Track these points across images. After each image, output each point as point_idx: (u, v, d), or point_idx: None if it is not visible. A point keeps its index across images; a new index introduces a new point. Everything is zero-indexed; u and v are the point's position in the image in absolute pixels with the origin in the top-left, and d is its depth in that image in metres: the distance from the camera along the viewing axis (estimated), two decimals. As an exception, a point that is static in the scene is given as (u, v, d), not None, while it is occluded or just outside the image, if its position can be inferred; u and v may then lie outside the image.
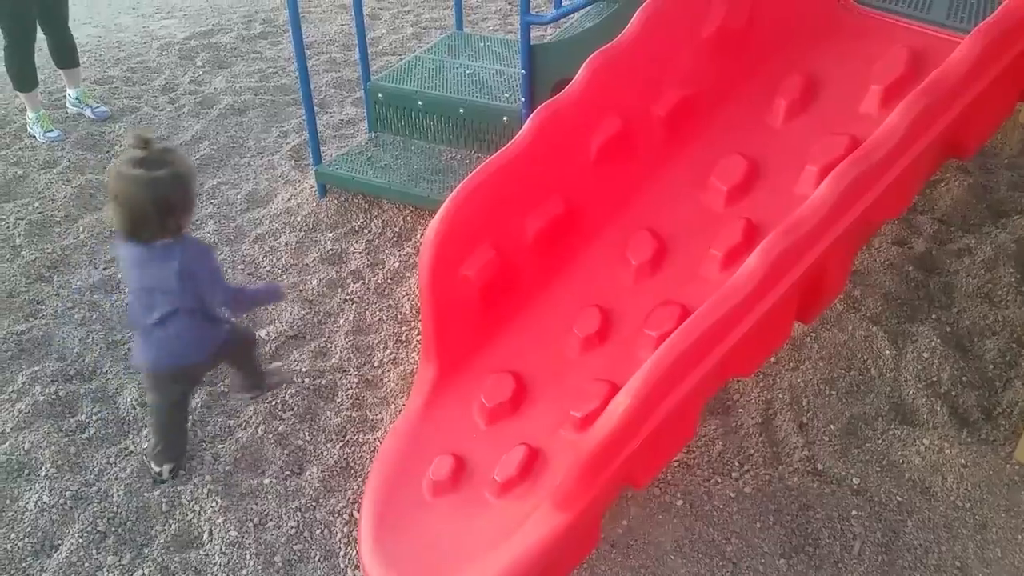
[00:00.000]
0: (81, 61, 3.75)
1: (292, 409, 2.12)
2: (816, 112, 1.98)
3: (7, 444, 2.02)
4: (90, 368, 2.29)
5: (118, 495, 1.88)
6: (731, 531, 1.74)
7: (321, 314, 2.49)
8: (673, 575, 1.66)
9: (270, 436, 2.04)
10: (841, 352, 2.21)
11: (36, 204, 3.03)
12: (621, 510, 1.78)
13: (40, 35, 3.41)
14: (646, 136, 2.04)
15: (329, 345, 2.36)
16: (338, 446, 2.01)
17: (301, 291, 2.57)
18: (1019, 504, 1.79)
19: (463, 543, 1.55)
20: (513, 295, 1.92)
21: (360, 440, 2.03)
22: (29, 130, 3.53)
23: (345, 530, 1.79)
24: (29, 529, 1.81)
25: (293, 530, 1.79)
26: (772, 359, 2.18)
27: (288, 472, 1.94)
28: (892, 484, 1.85)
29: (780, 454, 1.93)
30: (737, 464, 1.91)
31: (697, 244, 1.84)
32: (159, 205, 1.62)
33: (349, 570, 1.71)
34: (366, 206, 2.96)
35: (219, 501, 1.85)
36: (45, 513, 1.84)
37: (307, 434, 2.05)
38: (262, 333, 2.40)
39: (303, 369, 2.27)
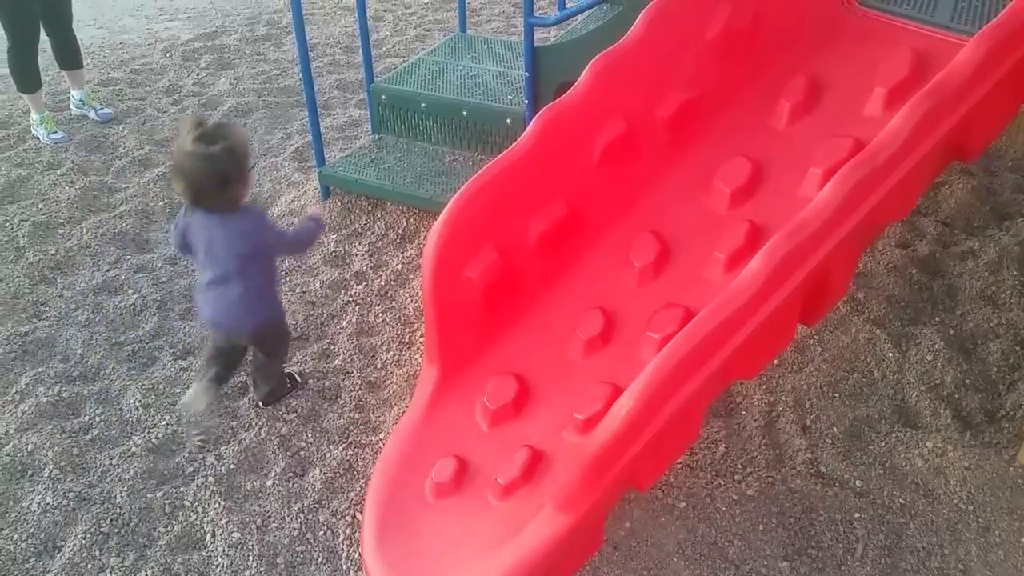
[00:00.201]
0: (85, 63, 3.76)
1: (295, 411, 2.12)
2: (820, 114, 1.98)
3: (10, 445, 2.02)
4: (93, 369, 2.30)
5: (121, 496, 1.88)
6: (734, 533, 1.74)
7: (324, 316, 2.49)
8: (676, 578, 1.66)
9: (273, 438, 2.04)
10: (844, 355, 2.21)
11: (40, 206, 3.03)
12: (624, 512, 1.78)
13: (44, 37, 3.43)
14: (650, 138, 2.04)
15: (332, 347, 2.36)
16: (341, 448, 2.01)
17: (304, 293, 2.58)
18: (1022, 507, 1.79)
19: (465, 545, 1.55)
20: (516, 297, 1.92)
21: (363, 442, 2.03)
22: (33, 132, 3.54)
23: (348, 532, 1.79)
24: (32, 530, 1.81)
25: (296, 532, 1.79)
26: (775, 361, 2.18)
27: (291, 474, 1.94)
28: (895, 487, 1.85)
29: (783, 456, 1.93)
30: (740, 466, 1.91)
31: (700, 246, 1.84)
32: (216, 177, 1.79)
33: (351, 572, 1.71)
34: (369, 208, 2.96)
35: (222, 503, 1.86)
36: (48, 514, 1.84)
37: (310, 436, 2.05)
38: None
39: (306, 371, 2.27)
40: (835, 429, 1.99)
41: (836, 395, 2.09)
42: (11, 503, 1.88)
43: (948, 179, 2.89)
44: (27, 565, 1.75)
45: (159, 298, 2.57)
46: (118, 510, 1.85)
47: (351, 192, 3.00)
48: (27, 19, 3.29)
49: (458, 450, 1.72)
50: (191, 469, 1.97)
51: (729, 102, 2.09)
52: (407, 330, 2.41)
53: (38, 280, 2.66)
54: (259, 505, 1.86)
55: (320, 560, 1.74)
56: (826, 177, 1.62)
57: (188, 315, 2.52)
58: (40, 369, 2.28)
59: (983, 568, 1.68)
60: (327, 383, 2.22)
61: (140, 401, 2.17)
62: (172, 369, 2.29)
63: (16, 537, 1.80)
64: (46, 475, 1.94)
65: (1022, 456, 1.88)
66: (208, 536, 1.80)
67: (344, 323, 2.45)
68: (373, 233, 2.85)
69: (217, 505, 1.85)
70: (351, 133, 3.55)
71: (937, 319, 2.32)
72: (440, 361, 1.86)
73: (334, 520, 1.82)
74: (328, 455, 1.99)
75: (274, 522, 1.82)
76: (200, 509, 1.86)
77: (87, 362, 2.32)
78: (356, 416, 2.11)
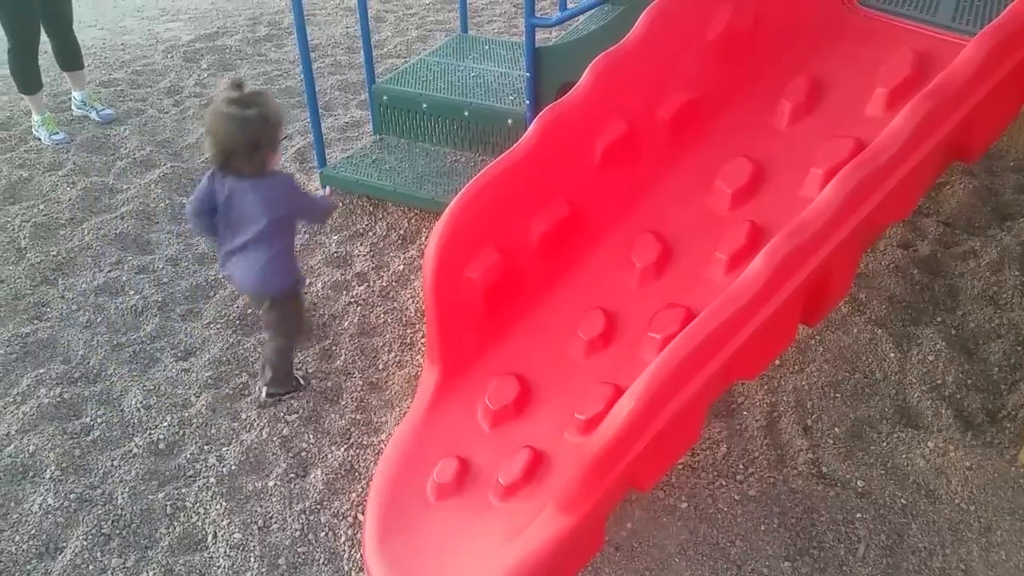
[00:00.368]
0: (86, 64, 3.76)
1: (296, 412, 2.12)
2: (821, 115, 1.98)
3: (12, 447, 2.02)
4: (95, 370, 2.30)
5: (123, 497, 1.89)
6: (735, 534, 1.74)
7: (326, 316, 2.49)
8: (678, 578, 1.66)
9: (274, 439, 2.04)
10: (846, 355, 2.21)
11: (41, 206, 3.04)
12: (625, 513, 1.78)
13: (45, 38, 3.43)
14: (651, 139, 2.04)
15: (334, 348, 2.36)
16: (342, 449, 2.01)
17: (306, 294, 2.58)
18: (1024, 507, 1.79)
19: (467, 546, 1.55)
20: (517, 298, 1.92)
21: (364, 443, 2.03)
22: (34, 133, 3.54)
23: (349, 533, 1.79)
24: (33, 532, 1.81)
25: (297, 533, 1.79)
26: (777, 362, 2.18)
27: (292, 475, 1.94)
28: (896, 487, 1.84)
29: (784, 457, 1.93)
30: (742, 467, 1.90)
31: (702, 247, 1.84)
32: (247, 141, 1.83)
33: (353, 573, 1.71)
34: (371, 209, 2.96)
35: (223, 504, 1.86)
36: (49, 516, 1.84)
37: (311, 437, 2.05)
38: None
39: (308, 371, 2.27)
40: (836, 429, 1.99)
41: (837, 395, 2.09)
42: (12, 504, 1.88)
43: (950, 179, 2.89)
44: (28, 567, 1.75)
45: (160, 299, 2.58)
46: (119, 511, 1.85)
47: (352, 193, 3.00)
48: (27, 20, 3.29)
49: (460, 451, 1.72)
50: (192, 470, 1.97)
51: (730, 102, 2.09)
52: (409, 331, 2.41)
53: (39, 281, 2.66)
54: (261, 506, 1.86)
55: (322, 561, 1.74)
56: (827, 177, 1.62)
57: (189, 316, 2.52)
58: (41, 370, 2.29)
59: (985, 568, 1.68)
60: (329, 384, 2.22)
61: (141, 402, 2.17)
62: (173, 370, 2.29)
63: (17, 539, 1.80)
64: (47, 476, 1.94)
65: (1023, 456, 1.88)
66: (210, 537, 1.80)
67: (346, 324, 2.45)
68: (374, 234, 2.85)
69: (219, 506, 1.85)
70: (352, 134, 3.55)
71: (939, 319, 2.32)
72: (441, 362, 1.86)
73: (336, 521, 1.82)
74: (330, 456, 1.99)
75: (276, 523, 1.82)
76: (201, 510, 1.86)
77: (88, 363, 2.32)
78: (358, 417, 2.11)
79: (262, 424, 2.09)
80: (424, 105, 3.00)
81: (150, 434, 2.07)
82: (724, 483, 1.86)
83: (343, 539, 1.78)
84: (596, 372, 1.74)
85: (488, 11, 4.94)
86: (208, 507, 1.86)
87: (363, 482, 1.90)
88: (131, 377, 2.27)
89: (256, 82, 4.10)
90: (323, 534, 1.79)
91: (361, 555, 1.71)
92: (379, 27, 4.69)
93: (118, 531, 1.81)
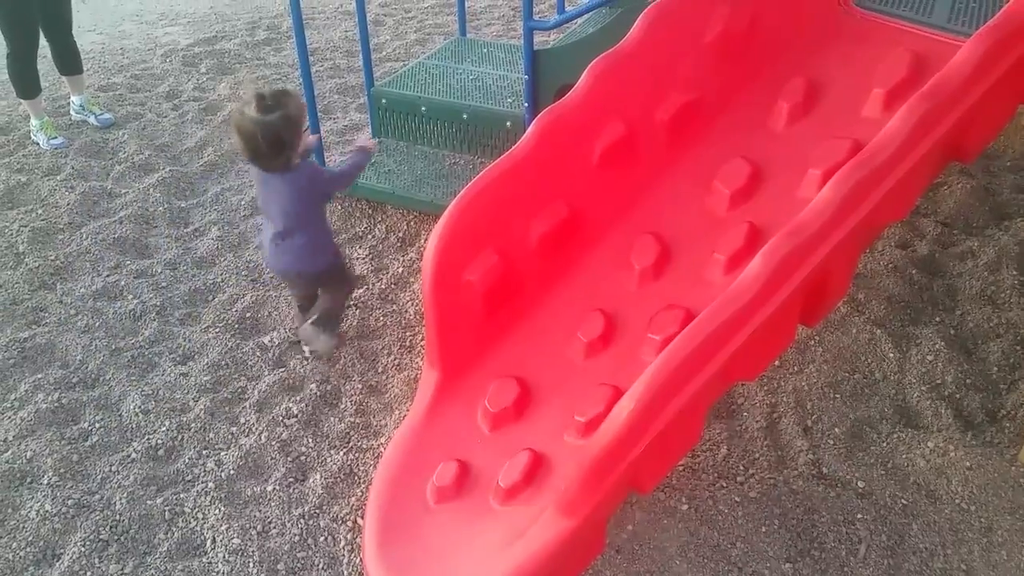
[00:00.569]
0: (85, 68, 3.76)
1: (295, 416, 2.12)
2: (819, 116, 1.99)
3: (9, 452, 2.02)
4: (93, 375, 2.30)
5: (121, 503, 1.88)
6: (736, 535, 1.74)
7: (324, 320, 2.49)
8: (678, 580, 1.65)
9: (273, 443, 2.04)
10: (845, 355, 2.21)
11: (39, 211, 3.03)
12: (626, 515, 1.77)
13: (43, 42, 3.43)
14: (649, 140, 2.04)
15: (333, 351, 2.36)
16: (342, 452, 2.00)
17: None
18: (1025, 507, 1.79)
19: (467, 550, 1.54)
20: (517, 300, 1.92)
21: (364, 446, 2.02)
22: (32, 137, 3.54)
23: (349, 537, 1.79)
24: (31, 538, 1.80)
25: (296, 537, 1.79)
26: (776, 363, 2.18)
27: (291, 479, 1.94)
28: (897, 487, 1.84)
29: (785, 458, 1.93)
30: (742, 468, 1.90)
31: (701, 248, 1.84)
32: (273, 142, 1.96)
33: (353, 576, 1.71)
34: (370, 211, 2.96)
35: (222, 509, 1.85)
36: (47, 522, 1.84)
37: (310, 440, 2.05)
38: (265, 340, 2.41)
39: (306, 372, 2.27)
40: (836, 430, 1.99)
41: (837, 396, 2.09)
42: (10, 511, 1.87)
43: (947, 179, 2.90)
44: (26, 573, 1.74)
45: (159, 303, 2.57)
46: (118, 517, 1.85)
47: (352, 195, 2.99)
48: (26, 24, 3.29)
49: (459, 454, 1.71)
50: (191, 475, 1.96)
51: (728, 104, 2.09)
52: (408, 334, 2.40)
53: (37, 286, 2.66)
54: (259, 511, 1.85)
55: (321, 566, 1.73)
56: (825, 178, 1.62)
57: (188, 320, 2.52)
58: (39, 375, 2.28)
59: (986, 568, 1.68)
60: (328, 387, 2.22)
61: (140, 407, 2.17)
62: (172, 375, 2.29)
63: (15, 545, 1.79)
64: (45, 482, 1.94)
65: (1023, 455, 1.88)
66: (208, 542, 1.79)
67: (345, 327, 2.44)
68: (374, 236, 2.85)
69: (217, 511, 1.85)
70: (351, 137, 3.55)
71: (937, 319, 2.32)
72: (441, 364, 1.86)
73: (335, 526, 1.81)
74: (329, 460, 1.98)
75: (275, 528, 1.81)
76: (200, 515, 1.85)
77: (87, 368, 2.32)
78: (357, 420, 2.11)
79: (261, 428, 2.08)
80: (423, 108, 3.01)
81: (148, 439, 2.07)
82: (725, 484, 1.85)
83: (342, 543, 1.77)
84: (596, 374, 1.74)
85: (486, 14, 4.95)
86: (207, 512, 1.85)
87: (362, 486, 1.90)
88: (129, 382, 2.27)
89: (254, 86, 4.10)
90: (322, 539, 1.79)
91: (361, 559, 1.71)
92: (378, 31, 4.70)
93: (116, 537, 1.81)
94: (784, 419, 2.03)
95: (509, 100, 2.93)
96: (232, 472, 1.95)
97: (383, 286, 2.60)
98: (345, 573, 1.71)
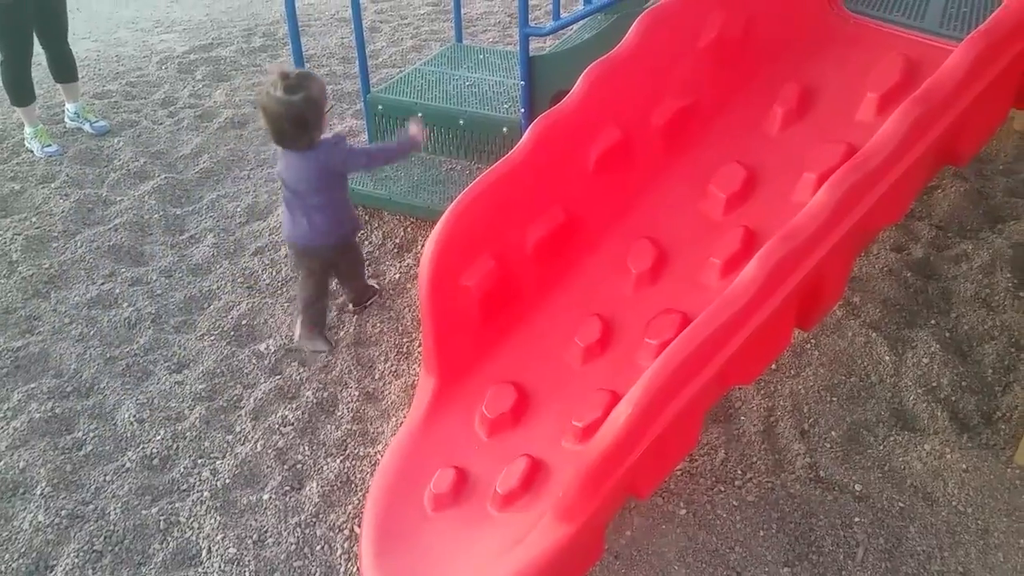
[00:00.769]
0: (80, 75, 3.76)
1: (291, 424, 2.11)
2: (813, 120, 2.00)
3: (2, 463, 2.00)
4: (87, 384, 2.28)
5: (115, 513, 1.86)
6: (734, 540, 1.74)
7: (320, 326, 2.48)
8: (677, 586, 1.65)
9: (269, 451, 2.03)
10: (841, 358, 2.21)
11: (33, 219, 3.02)
12: (624, 521, 1.77)
13: (38, 49, 3.43)
14: (645, 145, 2.05)
15: (330, 358, 2.35)
16: (338, 460, 1.99)
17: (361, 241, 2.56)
18: (1020, 508, 1.79)
19: (465, 557, 1.54)
20: (514, 305, 1.92)
21: (361, 454, 2.01)
22: (27, 145, 3.53)
23: (346, 546, 1.78)
24: (24, 549, 1.79)
25: (293, 546, 1.78)
26: (773, 366, 2.18)
27: (288, 487, 1.93)
28: (894, 490, 1.84)
29: (782, 461, 1.93)
30: (740, 472, 1.90)
31: (697, 252, 1.84)
32: (297, 122, 2.06)
33: (350, 585, 1.70)
34: (366, 217, 2.96)
35: (217, 518, 1.84)
36: (40, 533, 1.82)
37: (307, 448, 2.04)
38: (261, 347, 2.40)
39: (303, 379, 2.26)
40: (833, 433, 1.99)
41: (834, 399, 2.09)
42: (2, 522, 1.86)
43: (941, 183, 2.91)
44: (21, 583, 1.73)
45: (154, 311, 2.56)
46: (112, 527, 1.83)
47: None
48: (20, 32, 3.29)
49: (457, 460, 1.71)
50: (186, 484, 1.95)
51: (723, 109, 2.10)
52: (405, 340, 2.40)
53: (31, 294, 2.64)
54: (255, 520, 1.84)
55: (318, 575, 1.72)
56: (820, 182, 1.62)
57: (183, 328, 2.51)
58: (33, 385, 2.27)
59: (983, 571, 1.68)
60: (325, 394, 2.21)
61: (134, 416, 2.15)
62: (167, 383, 2.28)
63: (7, 557, 1.77)
64: (38, 493, 1.92)
65: (1019, 457, 1.88)
66: (204, 552, 1.78)
67: (342, 333, 2.44)
68: (370, 243, 2.85)
69: (213, 521, 1.84)
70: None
71: (932, 322, 2.33)
72: (438, 371, 1.85)
73: (332, 534, 1.80)
74: (325, 468, 1.97)
75: (271, 537, 1.80)
76: (195, 525, 1.84)
77: (81, 377, 2.30)
78: (354, 428, 2.10)
79: (256, 436, 2.07)
80: (419, 114, 3.00)
81: (143, 448, 2.05)
82: (723, 489, 1.85)
83: (339, 552, 1.76)
84: (593, 379, 1.73)
85: (483, 21, 4.96)
86: (202, 522, 1.84)
87: (359, 494, 1.89)
88: (124, 390, 2.25)
89: (251, 93, 4.11)
90: (319, 548, 1.78)
91: (358, 568, 1.70)
92: (374, 37, 4.71)
93: (110, 547, 1.79)
94: (781, 423, 2.03)
95: (505, 106, 2.94)
96: (228, 481, 1.94)
97: (380, 293, 2.60)
98: (342, 581, 1.70)
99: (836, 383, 2.14)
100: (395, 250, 2.80)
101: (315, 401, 2.18)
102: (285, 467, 1.98)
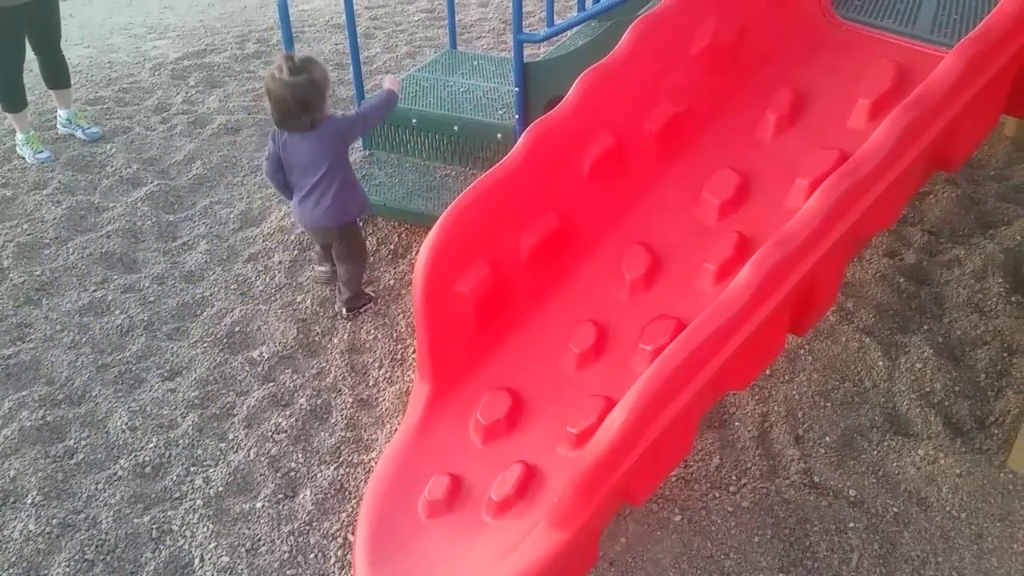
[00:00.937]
0: (72, 82, 3.75)
1: (285, 431, 2.10)
2: (805, 126, 2.01)
3: (-6, 470, 1.99)
4: (79, 392, 2.27)
5: (107, 522, 1.85)
6: (730, 546, 1.73)
7: (315, 333, 2.47)
8: (673, 593, 1.64)
9: (262, 459, 2.01)
10: (835, 364, 2.21)
11: (25, 226, 3.01)
12: (619, 527, 1.76)
13: (30, 55, 3.41)
14: (639, 152, 2.06)
15: (323, 364, 2.34)
16: (332, 467, 1.98)
17: (295, 310, 2.56)
18: (1014, 512, 1.79)
19: (460, 564, 1.53)
20: (508, 311, 1.92)
21: (355, 461, 2.00)
22: (18, 151, 3.51)
23: (339, 554, 1.77)
24: (14, 559, 1.77)
25: (286, 555, 1.76)
26: (767, 372, 2.18)
27: (281, 495, 1.91)
28: (888, 495, 1.85)
29: (777, 467, 1.93)
30: (735, 478, 1.90)
31: (690, 258, 1.85)
32: (297, 102, 2.20)
33: (344, 593, 1.68)
34: (361, 224, 2.95)
35: (210, 526, 1.83)
36: (31, 542, 1.80)
37: (300, 456, 2.03)
38: (254, 354, 2.39)
39: (296, 386, 2.25)
40: (828, 438, 1.99)
41: (828, 404, 2.10)
42: (-6, 530, 1.84)
43: (933, 189, 2.93)
44: (10, 594, 1.71)
45: (146, 318, 2.55)
46: (104, 536, 1.82)
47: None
48: (13, 38, 3.28)
49: (451, 467, 1.70)
50: (179, 492, 1.94)
51: (716, 115, 2.11)
52: (399, 347, 2.39)
53: (23, 302, 2.63)
54: (248, 528, 1.83)
55: (312, 582, 1.71)
56: (812, 188, 1.63)
57: (176, 335, 2.50)
58: (24, 392, 2.25)
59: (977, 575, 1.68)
60: (318, 401, 2.20)
61: (127, 424, 2.14)
62: (159, 391, 2.26)
63: (-1, 565, 1.76)
64: (29, 501, 1.90)
65: (1012, 462, 1.89)
66: (196, 561, 1.77)
67: (335, 340, 2.43)
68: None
69: (205, 529, 1.82)
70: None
71: (925, 327, 2.34)
72: (432, 377, 1.85)
73: (325, 542, 1.79)
74: (319, 475, 1.96)
75: (264, 545, 1.79)
76: (188, 533, 1.83)
77: (72, 385, 2.29)
78: (348, 435, 2.09)
79: (249, 444, 2.06)
80: (414, 120, 3.01)
81: (135, 456, 2.04)
82: (717, 495, 1.85)
83: (333, 560, 1.75)
84: (588, 385, 1.73)
85: (477, 27, 4.98)
86: (195, 530, 1.83)
87: (353, 501, 1.88)
88: (116, 398, 2.24)
89: (244, 99, 4.10)
90: (312, 556, 1.77)
91: None
92: (368, 44, 4.71)
93: (102, 556, 1.78)
94: (776, 428, 2.03)
95: (500, 112, 2.94)
96: (220, 489, 1.93)
97: (374, 299, 2.59)
98: (336, 590, 1.69)
99: (830, 388, 2.14)
100: (389, 256, 2.80)
101: (309, 408, 2.17)
102: (278, 475, 1.97)
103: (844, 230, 1.53)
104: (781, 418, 2.06)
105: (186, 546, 1.80)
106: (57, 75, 3.57)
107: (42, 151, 3.48)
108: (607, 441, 1.36)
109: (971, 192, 2.93)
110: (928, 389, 2.11)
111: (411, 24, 5.12)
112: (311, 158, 2.28)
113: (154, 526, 1.84)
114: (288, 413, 2.15)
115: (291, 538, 1.80)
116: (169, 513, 1.87)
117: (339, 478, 1.95)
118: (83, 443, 2.08)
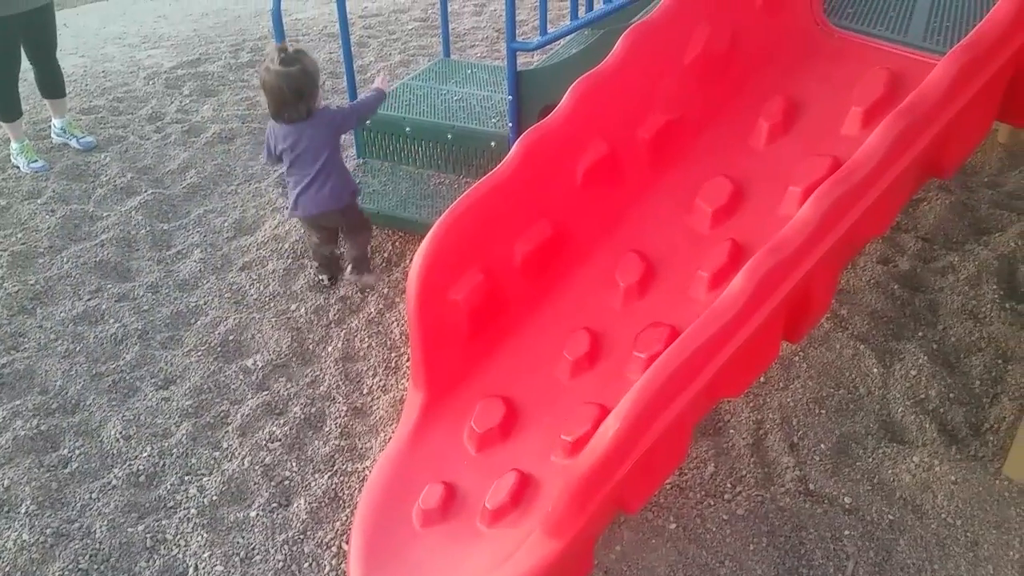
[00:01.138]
0: (67, 91, 3.75)
1: (279, 440, 2.09)
2: (798, 134, 2.02)
3: (-14, 480, 1.97)
4: (73, 401, 2.26)
5: (101, 531, 1.84)
6: (725, 554, 1.73)
7: (309, 341, 2.47)
8: (668, 601, 1.64)
9: (256, 468, 2.01)
10: (829, 371, 2.22)
11: (19, 235, 3.00)
12: (614, 535, 1.76)
13: (25, 65, 3.42)
14: (632, 160, 2.06)
15: (317, 373, 2.34)
16: (326, 476, 1.97)
17: (289, 319, 2.55)
18: (1009, 520, 1.79)
19: (454, 574, 1.52)
20: (502, 319, 1.92)
21: (349, 469, 2.00)
22: (12, 160, 3.51)
23: (334, 563, 1.76)
24: (8, 569, 1.76)
25: (280, 564, 1.75)
26: (761, 379, 2.18)
27: (275, 504, 1.91)
28: (884, 502, 1.84)
29: (772, 474, 1.93)
30: (729, 486, 1.90)
31: (684, 265, 1.85)
32: (292, 91, 2.29)
33: (338, 604, 1.67)
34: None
35: (204, 535, 1.82)
36: (24, 552, 1.79)
37: (294, 464, 2.02)
38: (248, 363, 2.38)
39: (290, 395, 2.24)
40: (822, 446, 1.99)
41: (822, 411, 2.10)
42: (-15, 541, 1.83)
43: (926, 195, 2.94)
44: (1, 606, 1.69)
45: (140, 327, 2.54)
46: (98, 545, 1.80)
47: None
48: (8, 47, 3.28)
49: (446, 476, 1.70)
50: (173, 502, 1.93)
51: (709, 123, 2.12)
52: (393, 355, 2.39)
53: (17, 311, 2.62)
54: (243, 537, 1.82)
55: (306, 592, 1.70)
56: (806, 195, 1.64)
57: (170, 344, 2.49)
58: (18, 402, 2.24)
59: (974, 583, 1.68)
60: (312, 410, 2.19)
61: (121, 433, 2.13)
62: (154, 399, 2.25)
63: (-10, 577, 1.74)
64: (23, 511, 1.89)
65: (1008, 468, 1.89)
66: (191, 570, 1.75)
67: (329, 348, 2.43)
68: (358, 257, 2.84)
69: (200, 538, 1.81)
70: (336, 158, 3.55)
71: (920, 334, 2.34)
72: (426, 385, 1.84)
73: (320, 551, 1.78)
74: (313, 484, 1.95)
75: (258, 554, 1.78)
76: (182, 542, 1.81)
77: (67, 394, 2.28)
78: (342, 443, 2.08)
79: (244, 453, 2.05)
80: (407, 128, 3.02)
81: (130, 465, 2.03)
82: (712, 502, 1.85)
83: (327, 569, 1.74)
84: (582, 392, 1.73)
85: (470, 36, 5.00)
86: (189, 539, 1.82)
87: (347, 510, 1.87)
88: (110, 407, 2.23)
89: (239, 108, 4.11)
90: (307, 565, 1.76)
91: (346, 585, 1.68)
92: (362, 52, 4.72)
93: (96, 566, 1.76)
94: (770, 436, 2.03)
95: (493, 120, 2.95)
96: (215, 498, 1.92)
97: (368, 307, 2.59)
98: (330, 600, 1.68)
99: (825, 395, 2.14)
100: (383, 264, 2.80)
101: (303, 417, 2.16)
102: (272, 483, 1.96)
103: (838, 237, 1.53)
104: (776, 425, 2.06)
105: (180, 555, 1.79)
106: (53, 85, 3.57)
107: (36, 160, 3.48)
108: (601, 449, 1.36)
109: (965, 199, 2.94)
110: (923, 396, 2.11)
111: (405, 33, 5.14)
112: (310, 146, 2.36)
113: (148, 535, 1.83)
114: (282, 422, 2.14)
115: (285, 547, 1.79)
116: (163, 522, 1.86)
117: (333, 487, 1.94)
118: (77, 452, 2.07)
